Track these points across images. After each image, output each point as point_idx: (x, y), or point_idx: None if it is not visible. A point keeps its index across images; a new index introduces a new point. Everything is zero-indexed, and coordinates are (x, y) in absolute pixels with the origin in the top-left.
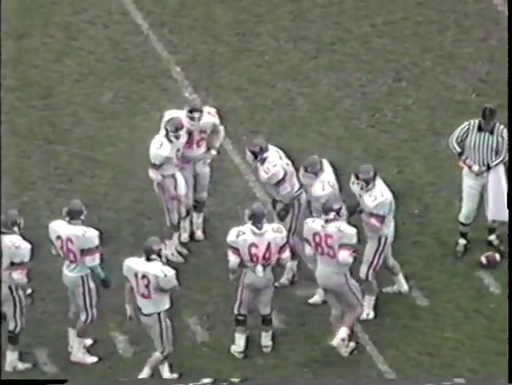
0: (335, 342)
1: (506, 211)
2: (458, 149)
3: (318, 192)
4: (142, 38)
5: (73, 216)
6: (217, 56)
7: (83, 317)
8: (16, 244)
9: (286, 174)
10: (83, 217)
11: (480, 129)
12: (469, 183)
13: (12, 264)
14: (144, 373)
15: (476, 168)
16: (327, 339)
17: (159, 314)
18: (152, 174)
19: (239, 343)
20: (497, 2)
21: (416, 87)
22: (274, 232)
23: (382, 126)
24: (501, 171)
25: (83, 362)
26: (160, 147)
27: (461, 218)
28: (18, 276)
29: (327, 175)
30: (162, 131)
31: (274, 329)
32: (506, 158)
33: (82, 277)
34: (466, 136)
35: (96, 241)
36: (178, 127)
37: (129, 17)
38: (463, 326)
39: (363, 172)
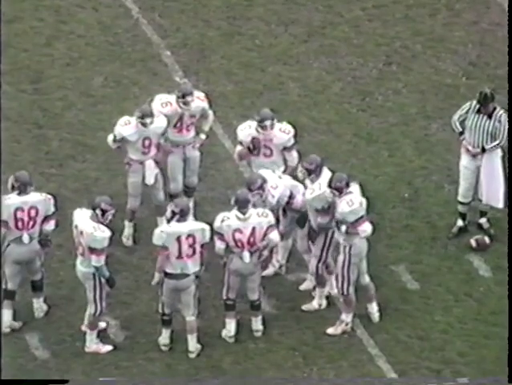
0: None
1: (500, 197)
2: (459, 128)
3: (271, 200)
4: (132, 22)
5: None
6: (208, 40)
7: (91, 309)
8: (48, 197)
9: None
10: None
11: (479, 111)
12: (464, 162)
13: (45, 218)
14: (192, 346)
15: (471, 148)
16: (317, 323)
17: (196, 272)
18: (109, 139)
19: (229, 328)
20: None
21: (406, 70)
22: (258, 216)
23: (373, 110)
24: (496, 156)
25: (98, 352)
26: (123, 125)
27: (459, 197)
28: (51, 226)
29: (271, 181)
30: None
31: (265, 313)
32: (503, 143)
33: (93, 273)
34: (466, 117)
35: (104, 243)
36: (145, 115)
37: (119, 0)
38: (453, 309)
39: (307, 162)
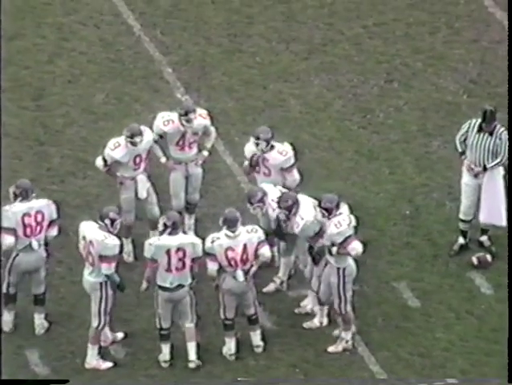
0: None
1: (502, 215)
2: (459, 149)
3: (271, 214)
4: (134, 39)
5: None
6: (209, 57)
7: (95, 323)
8: (50, 202)
9: (295, 162)
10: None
11: (480, 129)
12: (465, 179)
13: (49, 223)
14: (192, 355)
15: (474, 167)
16: (318, 340)
17: (189, 284)
18: (98, 163)
19: (229, 346)
20: (487, 3)
21: (407, 88)
22: (248, 232)
23: (373, 127)
24: (498, 174)
25: (98, 368)
26: (114, 148)
27: (460, 214)
28: (55, 232)
29: (272, 195)
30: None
31: (265, 330)
32: (505, 161)
33: (101, 283)
34: (467, 135)
35: (115, 251)
36: (134, 134)
37: (121, 18)
38: (454, 326)
39: (283, 201)
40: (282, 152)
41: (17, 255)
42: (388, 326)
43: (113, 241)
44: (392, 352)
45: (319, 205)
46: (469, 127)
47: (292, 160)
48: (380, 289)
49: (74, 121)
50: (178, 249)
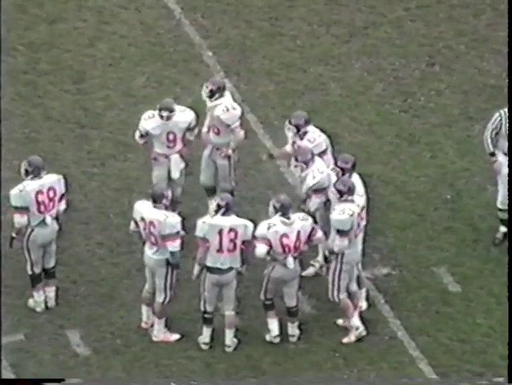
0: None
1: None
2: (491, 148)
3: (309, 181)
4: (174, 23)
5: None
6: (249, 41)
7: (160, 298)
8: (60, 176)
9: (327, 147)
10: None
11: None
12: (504, 170)
13: (62, 196)
14: (229, 340)
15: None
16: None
17: (236, 268)
18: (136, 136)
19: (273, 328)
20: None
21: (449, 71)
22: (301, 220)
23: (414, 111)
24: None
25: (166, 341)
26: (147, 118)
27: (498, 203)
28: (64, 206)
29: (318, 164)
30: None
31: (304, 314)
32: None
33: (166, 259)
34: (500, 127)
35: (177, 228)
36: (162, 108)
37: (162, 1)
38: (495, 312)
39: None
40: (310, 140)
41: (32, 231)
42: (428, 311)
43: (174, 219)
44: (432, 337)
45: (335, 164)
46: (501, 119)
47: (323, 146)
48: (420, 274)
49: (114, 104)
50: (230, 230)
